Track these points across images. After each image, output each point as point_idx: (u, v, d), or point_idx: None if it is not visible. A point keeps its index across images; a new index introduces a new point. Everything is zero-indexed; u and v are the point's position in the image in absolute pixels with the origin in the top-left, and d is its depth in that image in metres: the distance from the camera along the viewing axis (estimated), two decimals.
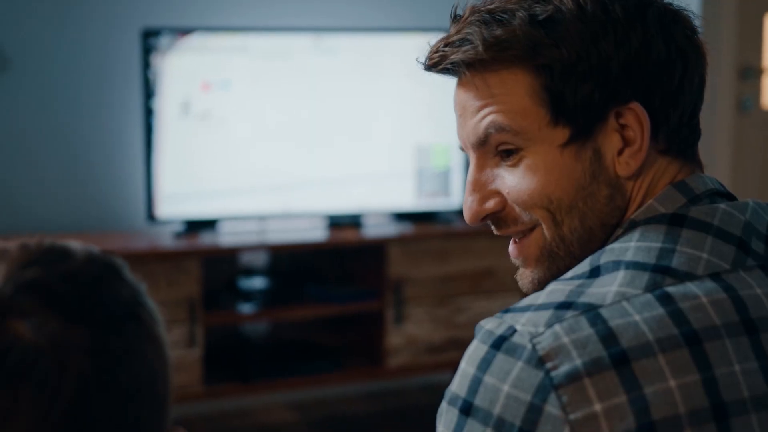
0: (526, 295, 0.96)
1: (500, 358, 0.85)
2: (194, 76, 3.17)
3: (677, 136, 0.96)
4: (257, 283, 3.30)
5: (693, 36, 0.97)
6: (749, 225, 0.93)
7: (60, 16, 3.22)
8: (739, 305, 0.87)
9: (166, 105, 3.14)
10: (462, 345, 3.35)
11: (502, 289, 3.39)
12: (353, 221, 3.36)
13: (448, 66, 0.96)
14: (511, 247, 1.00)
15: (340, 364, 3.28)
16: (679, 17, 0.96)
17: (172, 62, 3.13)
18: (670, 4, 0.97)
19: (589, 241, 0.96)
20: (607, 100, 0.93)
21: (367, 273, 3.34)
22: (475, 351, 0.87)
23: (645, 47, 0.93)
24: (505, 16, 0.93)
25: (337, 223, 3.34)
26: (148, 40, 3.11)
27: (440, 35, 1.00)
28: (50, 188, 3.26)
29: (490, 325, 0.87)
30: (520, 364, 0.84)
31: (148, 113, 3.12)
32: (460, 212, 3.47)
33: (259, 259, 3.39)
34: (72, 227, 3.26)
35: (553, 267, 0.97)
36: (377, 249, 3.27)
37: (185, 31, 3.16)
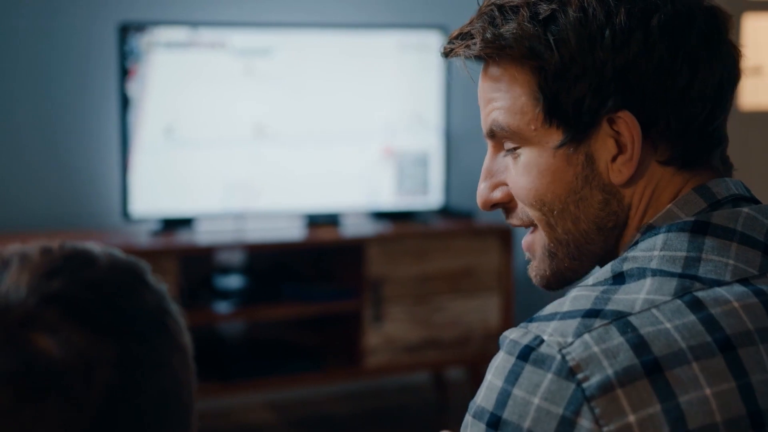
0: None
1: (529, 369, 0.83)
2: (171, 71, 3.14)
3: (682, 146, 0.93)
4: (234, 282, 3.27)
5: (714, 37, 0.92)
6: None
7: (37, 11, 3.18)
8: None
9: (142, 102, 3.11)
10: (440, 345, 3.34)
11: (480, 288, 3.38)
12: (331, 220, 3.34)
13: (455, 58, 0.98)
14: (524, 239, 1.02)
15: (318, 364, 3.26)
16: (695, 20, 0.92)
17: (148, 58, 3.10)
18: (688, 6, 0.92)
19: (586, 243, 0.96)
20: (600, 106, 0.91)
21: (346, 272, 3.32)
22: (502, 363, 0.85)
23: (644, 54, 0.90)
24: (510, 12, 0.93)
25: (315, 221, 3.32)
26: (126, 35, 3.08)
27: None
28: (25, 185, 3.22)
29: (515, 335, 0.85)
30: (550, 375, 0.82)
31: (125, 109, 3.09)
32: (438, 211, 3.46)
33: (237, 258, 3.36)
34: (46, 224, 3.23)
35: (553, 265, 0.98)
36: (355, 248, 3.26)
37: (163, 26, 3.13)
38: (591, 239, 0.96)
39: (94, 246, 0.71)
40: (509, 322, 3.40)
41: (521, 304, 3.69)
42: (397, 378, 3.67)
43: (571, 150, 0.93)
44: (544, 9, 0.91)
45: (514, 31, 0.92)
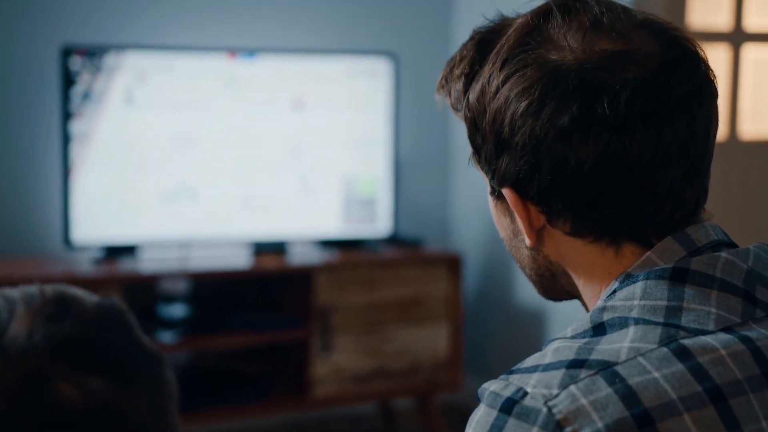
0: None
1: (512, 423, 0.79)
2: (114, 95, 3.08)
3: (577, 221, 0.88)
4: (179, 311, 3.21)
5: (595, 116, 0.84)
6: (752, 272, 0.88)
7: None
8: (759, 357, 0.83)
9: (85, 126, 3.05)
10: (388, 374, 3.30)
11: (429, 317, 3.35)
12: (278, 248, 3.29)
13: None
14: None
15: (265, 394, 3.21)
16: (567, 101, 0.84)
17: (91, 81, 3.04)
18: (572, 86, 0.84)
19: (534, 282, 0.97)
20: (492, 175, 0.91)
21: (293, 301, 3.27)
22: (483, 416, 0.81)
23: (512, 137, 0.87)
24: (458, 61, 0.94)
25: (261, 250, 3.27)
26: (68, 58, 3.02)
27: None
28: None
29: (496, 387, 0.81)
30: (535, 429, 0.78)
31: (66, 134, 3.03)
32: (386, 240, 3.43)
33: (181, 287, 3.30)
34: None
35: (530, 283, 0.99)
36: (303, 277, 3.21)
37: (105, 49, 3.07)
38: (535, 281, 0.97)
39: (76, 290, 0.70)
40: (458, 351, 3.38)
41: (470, 333, 3.66)
42: (344, 409, 3.61)
43: (497, 203, 0.93)
44: (469, 69, 0.92)
45: (448, 80, 0.95)
